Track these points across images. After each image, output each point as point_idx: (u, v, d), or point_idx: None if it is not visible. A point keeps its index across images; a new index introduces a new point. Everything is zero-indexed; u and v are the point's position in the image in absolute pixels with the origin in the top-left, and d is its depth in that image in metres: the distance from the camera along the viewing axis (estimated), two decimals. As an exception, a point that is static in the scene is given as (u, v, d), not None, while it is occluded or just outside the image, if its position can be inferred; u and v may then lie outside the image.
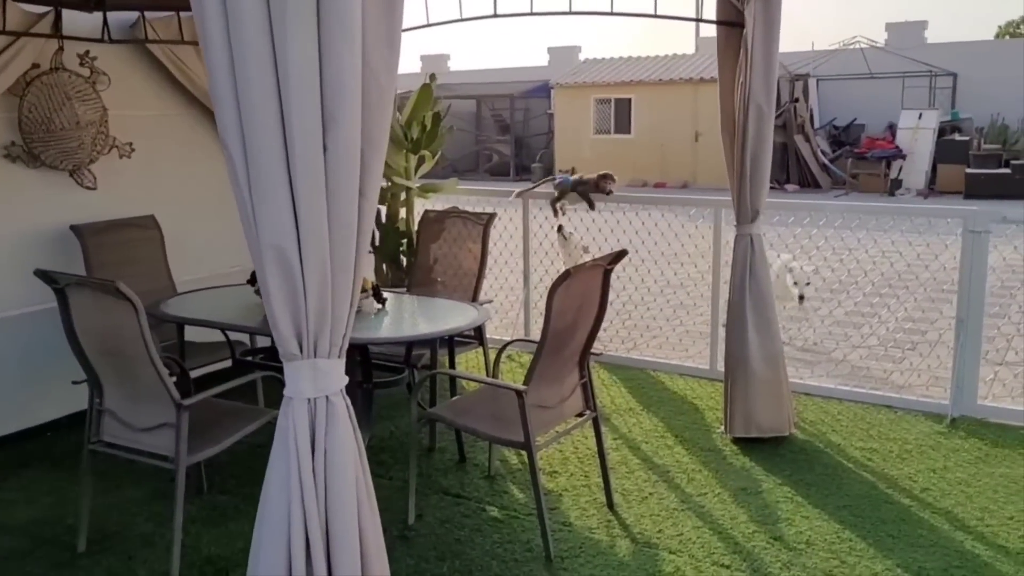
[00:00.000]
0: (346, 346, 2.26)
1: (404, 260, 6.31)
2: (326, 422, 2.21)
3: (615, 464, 4.29)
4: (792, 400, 4.75)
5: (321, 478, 2.20)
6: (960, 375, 4.94)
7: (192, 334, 4.47)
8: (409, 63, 29.78)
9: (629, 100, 21.81)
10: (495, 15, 5.35)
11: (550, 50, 27.02)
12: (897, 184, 18.39)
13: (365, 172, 2.17)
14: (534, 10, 5.21)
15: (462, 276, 5.18)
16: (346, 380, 2.27)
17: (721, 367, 5.05)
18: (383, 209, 6.43)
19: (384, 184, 6.35)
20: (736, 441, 4.57)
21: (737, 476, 4.17)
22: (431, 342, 4.34)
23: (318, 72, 2.01)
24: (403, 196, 6.47)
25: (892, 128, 19.90)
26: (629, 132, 21.97)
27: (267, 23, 1.98)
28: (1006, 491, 3.95)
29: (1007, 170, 16.91)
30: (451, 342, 4.49)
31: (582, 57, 25.51)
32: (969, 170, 17.23)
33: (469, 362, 5.80)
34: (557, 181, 6.41)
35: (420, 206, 6.44)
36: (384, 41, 2.07)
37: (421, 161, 6.58)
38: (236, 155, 2.07)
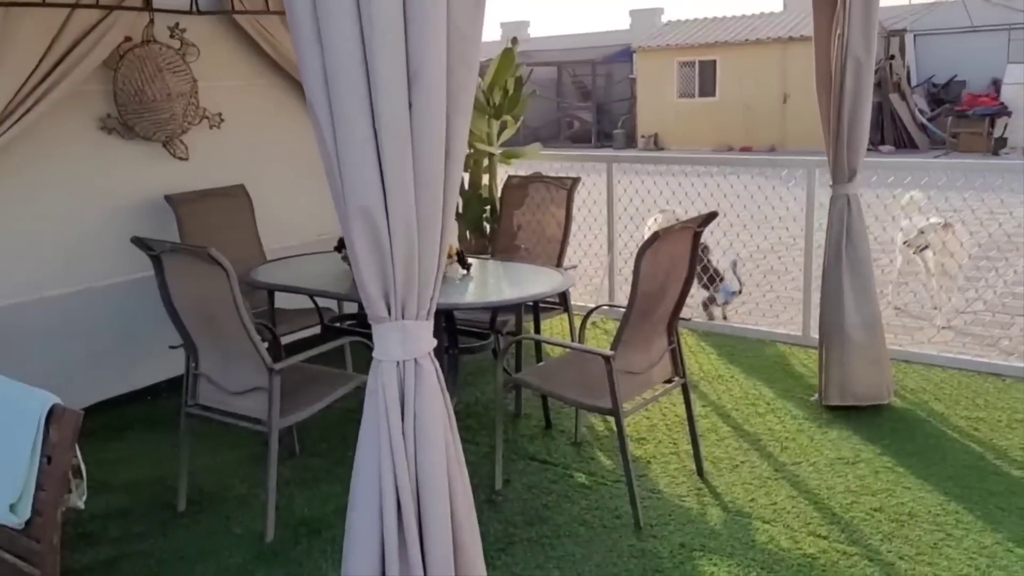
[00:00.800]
0: (434, 309, 2.24)
1: (487, 227, 6.28)
2: (415, 384, 2.20)
3: (704, 432, 4.20)
4: (891, 367, 4.56)
5: (411, 440, 2.19)
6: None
7: (281, 301, 4.54)
8: (489, 31, 29.72)
9: (714, 62, 21.24)
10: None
11: (632, 13, 26.46)
12: (1002, 143, 17.45)
13: (451, 132, 2.12)
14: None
15: (546, 242, 5.12)
16: (434, 343, 2.25)
17: (814, 334, 4.88)
18: (466, 176, 6.41)
19: (467, 150, 6.31)
20: (831, 409, 4.42)
21: (833, 445, 4.03)
22: (516, 308, 4.31)
23: (403, 28, 1.96)
24: (486, 162, 6.44)
25: (996, 84, 18.88)
26: (714, 95, 21.41)
27: (351, -21, 1.94)
28: None
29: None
30: (536, 308, 4.45)
31: (665, 19, 24.93)
32: (1082, 126, 16.26)
33: (553, 328, 5.76)
34: None
35: (503, 172, 6.42)
36: (469, -6, 2.01)
37: (503, 127, 6.53)
38: (323, 117, 2.05)
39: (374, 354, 2.23)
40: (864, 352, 4.47)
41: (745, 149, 20.40)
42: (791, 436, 4.14)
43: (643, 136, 22.47)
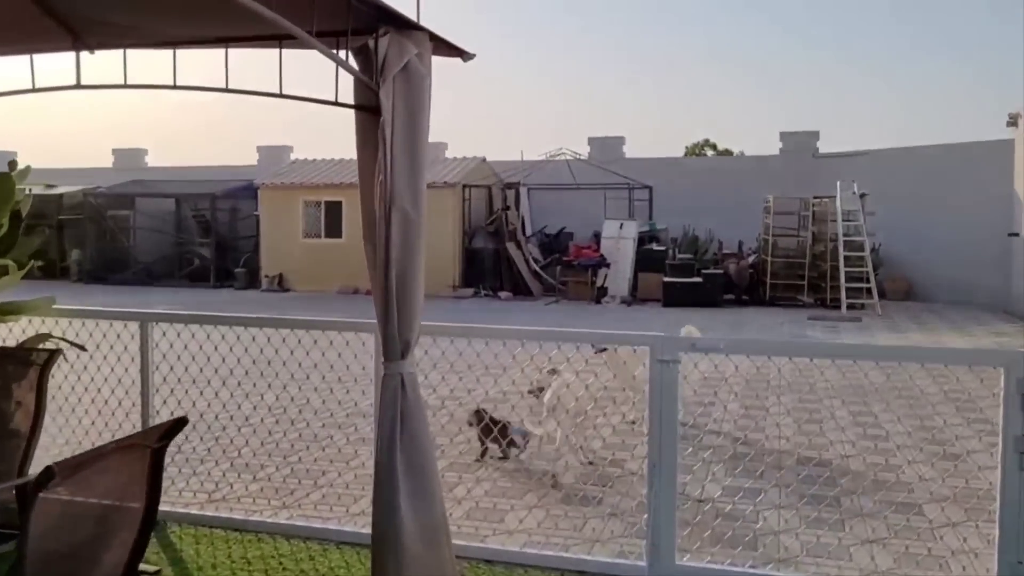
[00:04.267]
0: None
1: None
2: None
3: None
4: (459, 583, 3.71)
5: None
6: (656, 529, 4.16)
7: None
8: (102, 158, 26.86)
9: (340, 203, 20.83)
10: (79, 86, 4.13)
11: (259, 149, 25.60)
12: (603, 292, 18.78)
13: None
14: (129, 82, 4.06)
15: (5, 440, 3.68)
16: None
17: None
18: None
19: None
20: (384, 653, 3.41)
21: None
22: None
23: None
24: (-34, 321, 4.83)
25: (597, 237, 20.55)
26: (340, 236, 20.91)
27: None
28: None
29: (699, 279, 17.81)
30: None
31: (293, 156, 24.34)
32: (666, 279, 17.96)
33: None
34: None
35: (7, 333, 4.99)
36: None
37: (3, 273, 4.99)
38: None
39: None
40: (425, 570, 3.57)
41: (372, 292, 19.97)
42: None
43: (267, 276, 21.21)
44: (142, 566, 2.71)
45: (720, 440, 7.02)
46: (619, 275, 19.06)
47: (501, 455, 6.23)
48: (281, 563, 4.35)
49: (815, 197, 18.74)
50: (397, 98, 3.48)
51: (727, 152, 39.05)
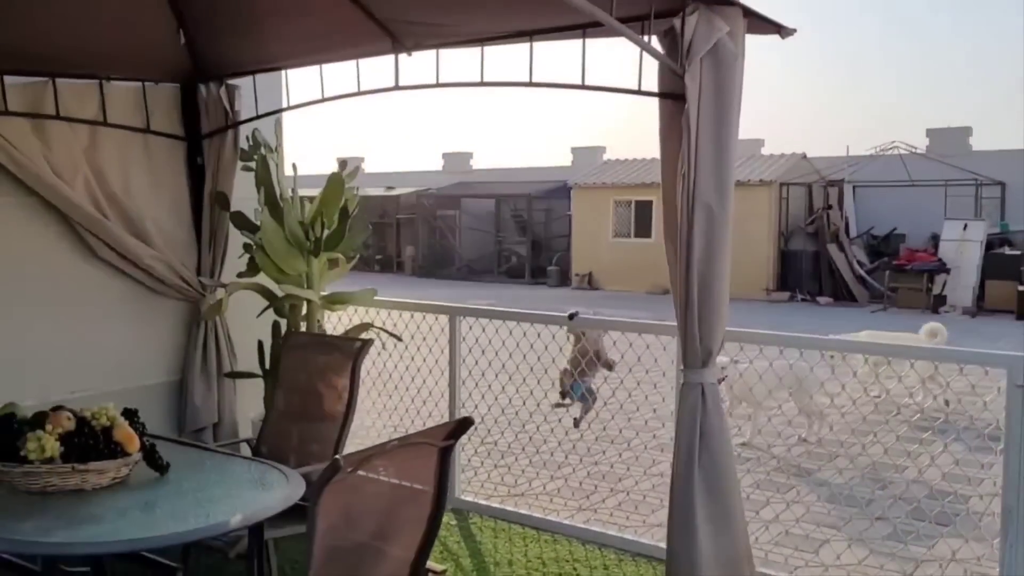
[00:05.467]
0: None
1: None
2: None
3: None
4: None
5: None
6: (1009, 587, 3.46)
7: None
8: (431, 161, 29.23)
9: (650, 202, 20.67)
10: (396, 87, 4.33)
11: (573, 150, 26.26)
12: (941, 300, 16.79)
13: None
14: (440, 81, 4.17)
15: (324, 421, 3.91)
16: None
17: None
18: (283, 324, 5.24)
19: (277, 293, 5.17)
20: None
21: None
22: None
23: None
24: (305, 309, 5.26)
25: (935, 239, 18.44)
26: (650, 236, 20.75)
27: None
28: None
29: (1064, 289, 15.32)
30: (257, 532, 3.10)
31: (606, 157, 24.65)
32: (1022, 288, 15.64)
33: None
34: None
35: (336, 321, 5.45)
36: None
37: (334, 266, 5.41)
38: None
39: None
40: (724, 606, 3.24)
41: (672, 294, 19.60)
42: None
43: (577, 275, 21.68)
44: (429, 564, 2.68)
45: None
46: (961, 282, 16.95)
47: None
48: (575, 568, 4.24)
49: None
50: (704, 82, 3.18)
51: (1104, 141, 33.35)
